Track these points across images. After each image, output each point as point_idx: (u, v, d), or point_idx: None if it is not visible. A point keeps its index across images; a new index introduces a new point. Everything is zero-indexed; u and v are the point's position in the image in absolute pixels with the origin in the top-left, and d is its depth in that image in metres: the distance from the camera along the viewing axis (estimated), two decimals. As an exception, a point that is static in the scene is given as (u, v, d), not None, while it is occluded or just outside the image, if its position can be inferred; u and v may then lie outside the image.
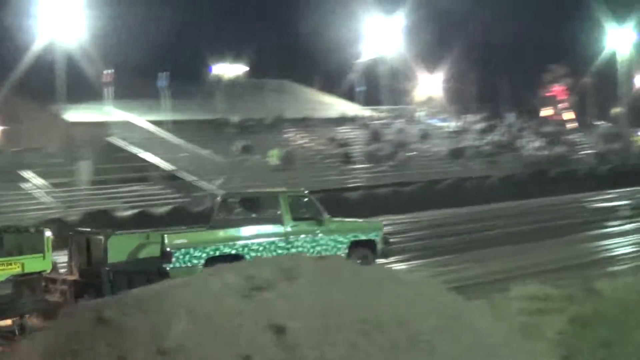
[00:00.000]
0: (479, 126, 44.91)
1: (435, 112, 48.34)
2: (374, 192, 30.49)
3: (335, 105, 45.89)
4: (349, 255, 12.34)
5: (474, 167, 37.73)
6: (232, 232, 11.53)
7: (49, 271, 9.65)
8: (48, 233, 9.58)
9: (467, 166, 37.64)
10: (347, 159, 35.49)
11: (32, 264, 9.30)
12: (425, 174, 34.90)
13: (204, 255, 10.85)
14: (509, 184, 33.75)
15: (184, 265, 10.49)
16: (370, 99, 47.80)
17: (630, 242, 16.10)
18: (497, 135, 43.47)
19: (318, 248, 12.15)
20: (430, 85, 51.67)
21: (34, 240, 9.44)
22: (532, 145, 41.94)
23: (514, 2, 59.64)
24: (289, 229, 11.99)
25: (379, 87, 47.80)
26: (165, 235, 10.71)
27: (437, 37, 52.66)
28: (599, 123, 53.58)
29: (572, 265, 13.23)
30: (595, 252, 15.09)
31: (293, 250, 11.83)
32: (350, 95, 48.15)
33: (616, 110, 55.01)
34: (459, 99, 50.89)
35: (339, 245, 12.46)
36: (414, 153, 38.17)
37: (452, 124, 45.19)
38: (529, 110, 53.33)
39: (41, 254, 9.35)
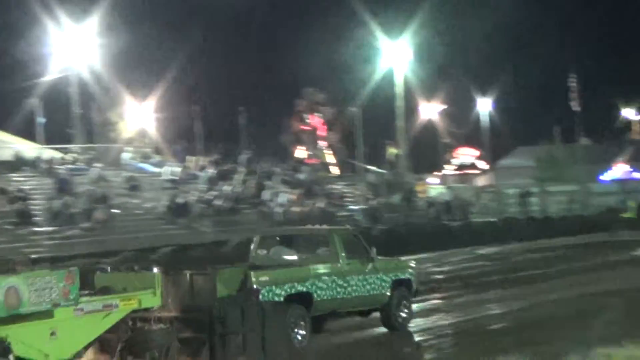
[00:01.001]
0: (208, 173, 50.36)
1: (148, 153, 53.16)
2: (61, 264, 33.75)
3: (7, 144, 48.20)
4: (391, 294, 19.17)
5: (203, 229, 42.69)
6: (305, 270, 17.91)
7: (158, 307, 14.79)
8: (156, 270, 15.10)
9: (194, 228, 42.59)
10: (22, 218, 38.08)
11: (148, 299, 14.47)
12: (135, 239, 38.80)
13: (283, 292, 17.04)
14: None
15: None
16: (56, 135, 51.31)
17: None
18: (234, 185, 49.40)
19: (368, 287, 18.87)
20: (141, 116, 56.62)
21: (146, 277, 14.89)
22: (282, 198, 48.33)
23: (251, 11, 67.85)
24: (345, 267, 18.54)
25: (69, 119, 51.32)
26: (252, 273, 16.64)
27: (152, 54, 58.40)
28: (371, 168, 62.28)
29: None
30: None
31: (349, 288, 18.45)
32: (27, 130, 51.38)
33: (393, 150, 64.48)
34: (181, 135, 56.57)
35: (384, 284, 19.21)
36: (119, 211, 42.00)
37: (171, 170, 49.92)
38: (279, 150, 60.73)
39: (152, 290, 14.58)
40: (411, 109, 73.28)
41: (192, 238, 40.24)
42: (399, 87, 59.32)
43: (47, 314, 13.14)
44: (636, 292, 23.22)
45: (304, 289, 17.53)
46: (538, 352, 13.87)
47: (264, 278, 16.87)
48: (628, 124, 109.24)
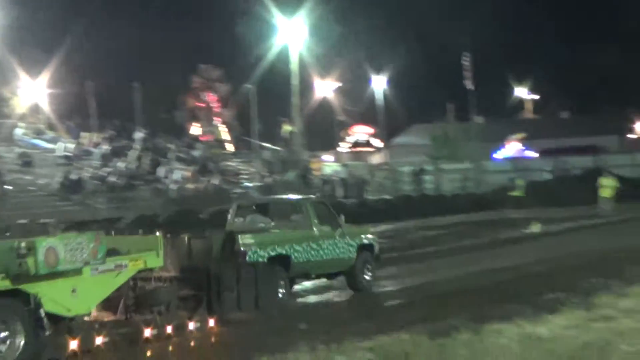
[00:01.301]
0: (103, 149, 50.40)
1: (42, 129, 52.68)
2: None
3: None
4: (357, 257, 21.13)
5: (97, 205, 42.78)
6: (284, 235, 19.89)
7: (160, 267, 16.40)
8: (158, 233, 16.55)
9: (88, 204, 42.61)
10: None
11: (152, 260, 16.05)
12: (28, 215, 38.87)
13: (266, 255, 18.77)
14: (146, 228, 39.16)
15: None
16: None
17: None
18: (129, 162, 49.43)
19: (337, 251, 20.80)
20: (34, 91, 55.74)
21: (149, 240, 16.40)
22: (177, 175, 48.54)
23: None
24: (318, 233, 20.40)
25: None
26: (239, 236, 18.40)
27: (45, 28, 57.68)
28: (266, 145, 62.78)
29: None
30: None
31: (321, 252, 20.34)
32: None
33: (288, 128, 64.96)
34: (75, 112, 56.10)
35: (351, 249, 21.16)
36: (11, 187, 41.93)
37: (65, 146, 49.76)
38: (174, 127, 60.63)
39: (155, 251, 16.09)
40: (307, 87, 73.81)
41: (86, 214, 40.28)
42: (294, 65, 59.70)
43: (78, 272, 14.82)
44: (529, 267, 23.97)
45: (284, 252, 19.38)
46: (432, 328, 14.30)
47: (249, 241, 18.73)
48: (521, 102, 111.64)
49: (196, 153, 54.50)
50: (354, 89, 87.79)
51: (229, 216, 21.39)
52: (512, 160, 75.95)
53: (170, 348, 15.34)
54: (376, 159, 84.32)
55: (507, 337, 13.37)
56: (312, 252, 20.17)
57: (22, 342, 13.75)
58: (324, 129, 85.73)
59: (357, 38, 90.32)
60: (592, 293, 16.33)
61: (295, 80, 60.08)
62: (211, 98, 65.93)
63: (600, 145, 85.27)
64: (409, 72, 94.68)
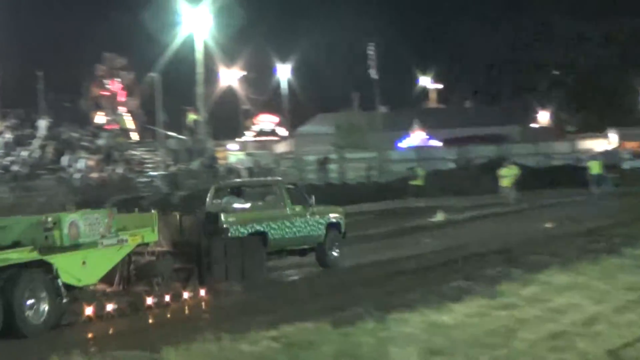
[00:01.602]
0: (5, 138, 49.38)
1: None
2: None
3: None
4: (325, 234, 23.09)
5: (0, 195, 42.38)
6: (261, 214, 22.01)
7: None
8: (154, 211, 18.64)
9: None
10: None
11: (149, 235, 18.02)
12: None
13: (246, 231, 20.93)
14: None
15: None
16: None
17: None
18: (32, 150, 48.71)
19: (308, 228, 22.76)
20: None
21: (144, 217, 18.37)
22: (81, 164, 48.08)
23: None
24: (290, 212, 22.39)
25: None
26: (222, 214, 20.69)
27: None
28: (171, 134, 62.47)
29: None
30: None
31: (294, 229, 22.32)
32: None
33: (193, 117, 64.66)
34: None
35: (320, 226, 23.13)
36: None
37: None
38: (76, 115, 59.88)
39: (151, 228, 18.07)
40: (212, 76, 73.55)
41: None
42: (199, 54, 59.46)
43: (94, 245, 16.79)
44: (433, 256, 24.30)
45: (262, 229, 21.44)
46: (336, 316, 14.40)
47: (231, 219, 20.97)
48: (425, 92, 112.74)
49: (101, 142, 53.97)
50: (259, 77, 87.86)
51: (208, 198, 23.22)
52: (417, 149, 76.72)
53: (169, 315, 17.29)
54: (281, 147, 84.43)
55: (411, 326, 13.58)
56: (286, 230, 22.16)
57: (47, 309, 15.52)
58: (229, 118, 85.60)
59: (262, 27, 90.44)
60: (496, 281, 16.65)
61: (200, 69, 59.85)
62: (116, 87, 65.30)
63: (503, 135, 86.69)
64: (314, 61, 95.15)
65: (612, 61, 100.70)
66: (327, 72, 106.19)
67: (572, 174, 58.48)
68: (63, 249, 16.20)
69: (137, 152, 56.96)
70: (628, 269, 18.35)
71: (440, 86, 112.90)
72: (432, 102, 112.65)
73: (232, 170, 56.72)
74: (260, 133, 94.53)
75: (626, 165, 64.79)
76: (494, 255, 22.67)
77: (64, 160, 48.11)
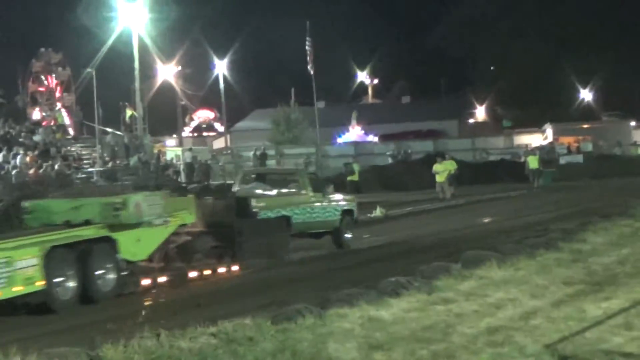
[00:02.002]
0: None
1: None
2: None
3: None
4: (341, 219, 25.43)
5: None
6: (286, 199, 24.27)
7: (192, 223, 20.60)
8: (191, 196, 21.60)
9: None
10: None
11: (187, 217, 20.35)
12: None
13: (272, 215, 23.18)
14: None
15: None
16: None
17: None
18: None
19: (326, 214, 25.12)
20: None
21: (183, 201, 20.78)
22: (17, 160, 47.42)
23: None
24: (311, 198, 24.75)
25: None
26: (253, 199, 23.02)
27: None
28: (108, 130, 61.93)
29: None
30: None
31: (314, 214, 24.69)
32: None
33: (130, 112, 64.20)
34: None
35: (336, 212, 25.45)
36: None
37: None
38: (13, 111, 59.13)
39: (189, 210, 20.43)
40: (149, 71, 73.04)
41: None
42: (135, 49, 58.94)
43: (150, 224, 19.19)
44: (372, 251, 24.35)
45: (286, 213, 23.67)
46: (275, 312, 14.33)
47: (261, 204, 23.26)
48: (363, 87, 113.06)
49: (37, 138, 53.32)
50: (196, 73, 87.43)
51: (236, 183, 26.15)
52: (354, 144, 76.87)
53: (208, 287, 19.41)
54: (218, 143, 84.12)
55: (350, 321, 13.54)
56: (307, 215, 24.50)
57: (113, 278, 18.04)
58: (167, 114, 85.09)
59: (199, 22, 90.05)
60: (434, 276, 16.68)
61: (136, 65, 59.34)
62: (52, 82, 64.63)
63: (440, 130, 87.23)
64: (251, 56, 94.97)
65: (548, 57, 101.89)
66: (265, 67, 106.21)
67: (509, 169, 59.15)
68: (127, 227, 18.67)
69: (75, 148, 56.35)
70: (565, 264, 18.50)
71: (376, 81, 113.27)
72: (370, 98, 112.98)
73: (169, 166, 56.44)
74: (198, 128, 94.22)
75: (562, 160, 65.60)
76: (432, 250, 22.80)
77: (0, 156, 47.43)
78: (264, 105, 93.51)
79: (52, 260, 16.77)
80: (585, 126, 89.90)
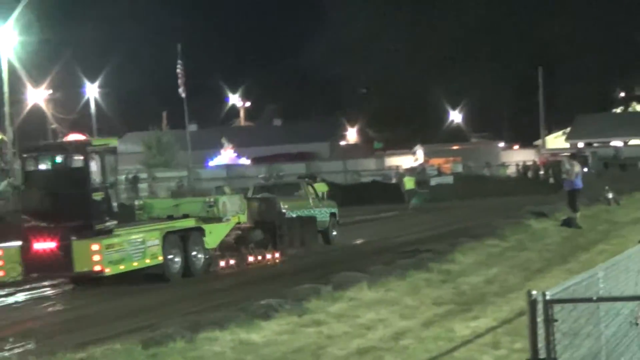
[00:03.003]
0: None
1: None
2: None
3: None
4: (329, 220, 31.58)
5: None
6: (299, 203, 30.25)
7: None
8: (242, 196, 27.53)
9: None
10: None
11: (242, 217, 26.10)
12: None
13: (293, 214, 28.80)
14: None
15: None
16: None
17: None
18: None
19: (320, 215, 30.81)
20: None
21: (240, 201, 26.58)
22: None
23: None
24: (311, 203, 31.10)
25: None
26: (281, 201, 28.67)
27: None
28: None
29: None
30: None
31: (315, 214, 30.44)
32: None
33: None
34: None
35: (326, 214, 31.47)
36: None
37: None
38: None
39: (243, 211, 26.32)
40: (18, 94, 71.56)
41: None
42: (4, 72, 57.67)
43: (228, 220, 25.75)
44: (245, 274, 24.24)
45: (300, 214, 29.63)
46: (145, 336, 14.09)
47: (286, 205, 29.03)
48: (235, 110, 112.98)
49: None
50: (67, 96, 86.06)
51: (250, 191, 31.53)
52: (227, 167, 76.67)
53: (260, 269, 25.11)
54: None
55: (221, 345, 13.43)
56: (311, 213, 30.39)
57: (203, 258, 24.34)
58: (37, 138, 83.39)
59: (70, 45, 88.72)
60: (305, 298, 16.65)
61: (5, 88, 58.07)
62: None
63: (312, 152, 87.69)
64: (122, 80, 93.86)
65: (418, 78, 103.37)
66: (136, 90, 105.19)
67: (381, 190, 59.65)
68: (212, 220, 25.00)
69: None
70: (435, 284, 18.71)
71: (248, 104, 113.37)
72: (242, 121, 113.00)
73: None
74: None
75: (433, 181, 66.52)
76: (302, 273, 22.81)
77: None
78: (135, 129, 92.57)
79: (166, 242, 23.08)
80: (455, 147, 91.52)
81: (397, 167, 79.03)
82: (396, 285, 18.29)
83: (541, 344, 7.04)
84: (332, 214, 32.08)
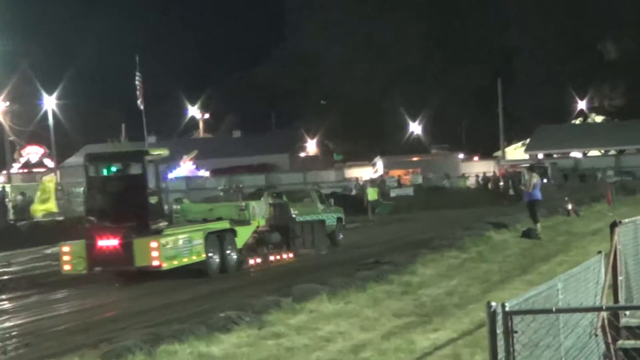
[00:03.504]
0: None
1: None
2: None
3: None
4: (336, 224, 34.42)
5: None
6: (307, 209, 32.94)
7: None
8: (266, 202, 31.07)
9: None
10: None
11: (261, 220, 29.59)
12: None
13: (302, 219, 31.81)
14: None
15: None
16: None
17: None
18: None
19: (328, 220, 33.65)
20: None
21: (266, 206, 30.37)
22: None
23: None
24: (320, 209, 33.71)
25: None
26: (291, 206, 31.94)
27: None
28: None
29: None
30: None
31: (323, 218, 33.30)
32: None
33: None
34: None
35: (334, 219, 34.19)
36: None
37: None
38: None
39: (266, 215, 30.01)
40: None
41: None
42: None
43: (255, 223, 29.12)
44: (202, 287, 24.10)
45: (309, 218, 32.41)
46: (105, 351, 13.99)
47: (296, 211, 31.83)
48: (194, 122, 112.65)
49: None
50: (25, 109, 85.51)
51: (263, 198, 32.25)
52: (186, 179, 76.39)
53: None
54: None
55: (180, 358, 13.37)
56: (321, 217, 33.31)
57: (235, 256, 27.47)
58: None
59: (27, 57, 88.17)
60: (264, 311, 16.61)
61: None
62: None
63: (272, 164, 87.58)
64: (81, 92, 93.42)
65: (378, 89, 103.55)
66: (95, 102, 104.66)
67: (341, 202, 59.60)
68: (242, 223, 28.32)
69: None
70: (395, 296, 18.74)
71: (207, 116, 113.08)
72: (201, 132, 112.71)
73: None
74: (27, 165, 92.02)
75: (393, 192, 66.71)
76: (262, 285, 22.76)
77: None
78: (94, 141, 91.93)
79: (208, 241, 26.10)
80: (415, 159, 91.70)
81: (357, 178, 79.12)
82: (356, 297, 18.29)
83: (501, 355, 7.06)
84: (339, 219, 35.09)
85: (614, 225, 11.23)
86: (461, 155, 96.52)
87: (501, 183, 71.10)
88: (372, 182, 65.46)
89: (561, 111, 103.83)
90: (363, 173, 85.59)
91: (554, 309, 7.84)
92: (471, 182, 79.94)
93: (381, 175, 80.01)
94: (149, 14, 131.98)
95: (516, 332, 7.19)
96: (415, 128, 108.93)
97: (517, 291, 15.76)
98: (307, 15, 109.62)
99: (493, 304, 7.01)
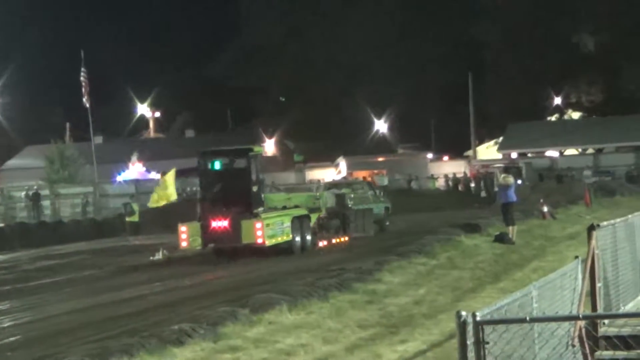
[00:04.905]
0: None
1: None
2: None
3: None
4: (384, 212, 43.04)
5: None
6: (361, 198, 41.71)
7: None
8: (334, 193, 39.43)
9: None
10: None
11: (323, 209, 36.15)
12: None
13: (357, 207, 39.36)
14: None
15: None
16: None
17: None
18: None
19: (377, 209, 41.68)
20: None
21: (334, 197, 38.17)
22: None
23: None
24: (373, 199, 43.16)
25: None
26: (345, 195, 39.61)
27: None
28: None
29: None
30: None
31: (372, 207, 41.47)
32: None
33: None
34: None
35: (381, 208, 42.80)
36: None
37: None
38: None
39: (332, 204, 37.24)
40: None
41: None
42: None
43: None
44: (154, 297, 23.97)
45: (362, 207, 39.19)
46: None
47: (351, 200, 38.66)
48: (144, 121, 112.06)
49: None
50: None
51: (322, 188, 41.52)
52: (135, 182, 76.03)
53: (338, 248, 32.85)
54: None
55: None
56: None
57: (309, 238, 33.68)
58: None
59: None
60: (220, 322, 16.54)
61: None
62: None
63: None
64: (21, 90, 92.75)
65: (340, 86, 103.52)
66: (37, 100, 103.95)
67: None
68: (315, 210, 34.48)
69: None
70: (360, 306, 18.73)
71: (158, 115, 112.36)
72: (152, 132, 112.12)
73: None
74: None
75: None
76: (219, 295, 22.63)
77: None
78: (36, 142, 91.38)
79: (293, 224, 32.68)
80: (380, 159, 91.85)
81: (319, 180, 79.12)
82: (318, 307, 18.27)
83: (472, 367, 7.06)
84: (386, 208, 42.93)
85: (591, 229, 11.29)
86: (430, 155, 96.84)
87: (472, 184, 71.45)
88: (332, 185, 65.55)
89: (536, 107, 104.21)
90: (325, 174, 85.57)
91: (527, 318, 7.86)
92: (440, 183, 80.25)
93: (344, 177, 80.00)
94: (98, 7, 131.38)
95: (488, 343, 7.20)
96: (380, 127, 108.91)
97: (490, 299, 15.83)
98: (262, 6, 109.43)
99: (463, 313, 7.02)
